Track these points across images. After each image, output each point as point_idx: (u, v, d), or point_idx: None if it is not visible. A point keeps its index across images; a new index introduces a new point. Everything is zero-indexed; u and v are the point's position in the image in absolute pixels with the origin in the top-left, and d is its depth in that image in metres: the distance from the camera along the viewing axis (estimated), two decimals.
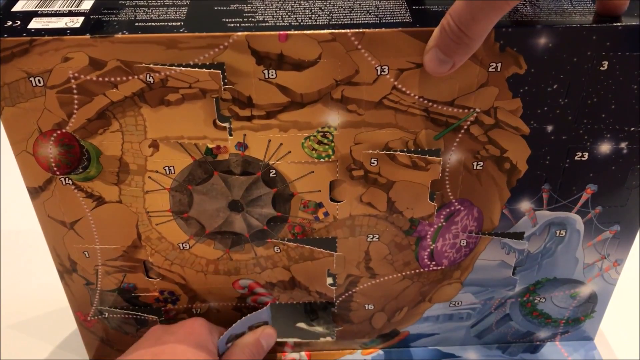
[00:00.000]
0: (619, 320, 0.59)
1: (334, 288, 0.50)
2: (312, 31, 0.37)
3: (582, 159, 0.43)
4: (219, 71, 0.38)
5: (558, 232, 0.47)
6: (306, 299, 0.51)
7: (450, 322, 0.54)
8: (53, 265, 0.48)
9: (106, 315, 0.52)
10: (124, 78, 0.38)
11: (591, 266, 0.50)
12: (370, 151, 0.42)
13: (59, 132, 0.40)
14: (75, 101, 0.39)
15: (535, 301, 0.52)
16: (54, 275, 0.49)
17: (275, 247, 0.47)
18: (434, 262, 0.48)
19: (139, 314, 0.51)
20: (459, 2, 0.34)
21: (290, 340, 0.54)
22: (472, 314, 0.53)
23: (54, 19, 0.38)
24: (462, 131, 0.41)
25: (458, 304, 0.52)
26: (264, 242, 0.47)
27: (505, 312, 0.53)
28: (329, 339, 0.54)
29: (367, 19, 0.38)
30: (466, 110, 0.40)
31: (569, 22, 0.37)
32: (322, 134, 0.41)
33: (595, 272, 0.50)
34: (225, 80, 0.38)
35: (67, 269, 0.48)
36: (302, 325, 0.55)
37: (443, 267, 0.49)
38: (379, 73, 0.38)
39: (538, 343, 0.56)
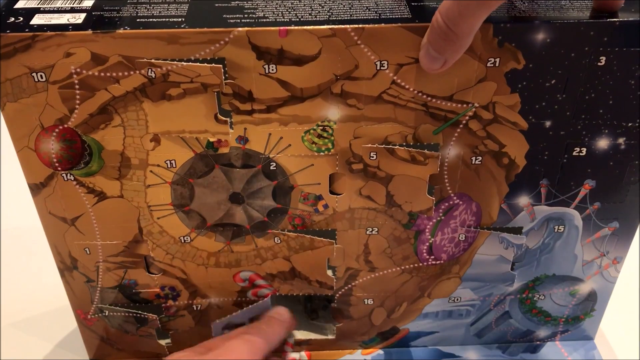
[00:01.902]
0: (619, 319, 0.59)
1: (334, 278, 0.50)
2: (312, 27, 0.37)
3: (580, 154, 0.43)
4: (220, 66, 0.38)
5: (556, 227, 0.47)
6: (306, 289, 0.51)
7: (449, 319, 0.54)
8: (53, 262, 0.48)
9: (106, 314, 0.52)
10: (126, 73, 0.39)
11: (590, 263, 0.50)
12: (370, 145, 0.42)
13: (60, 127, 0.41)
14: (77, 96, 0.39)
15: (535, 298, 0.52)
16: (54, 273, 0.49)
17: (276, 238, 0.47)
18: (432, 256, 0.49)
19: (139, 312, 0.51)
20: (447, 0, 0.35)
21: (291, 337, 0.55)
22: (472, 311, 0.53)
23: (56, 15, 0.39)
24: (461, 126, 0.42)
25: (457, 300, 0.52)
26: (265, 233, 0.47)
27: (504, 310, 0.53)
28: (329, 336, 0.55)
29: (367, 14, 0.38)
30: (465, 105, 0.41)
31: (567, 18, 0.38)
32: (321, 127, 0.41)
33: (594, 270, 0.51)
34: (226, 75, 0.39)
35: (67, 266, 0.48)
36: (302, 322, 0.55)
37: (442, 261, 0.49)
38: (378, 68, 0.39)
39: (538, 342, 0.56)
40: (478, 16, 0.35)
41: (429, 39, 0.37)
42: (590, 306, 0.54)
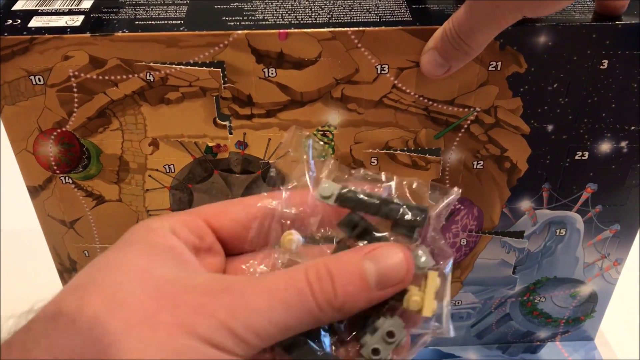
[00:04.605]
0: (619, 320, 0.58)
1: None
2: (312, 29, 0.37)
3: (583, 158, 0.43)
4: (219, 69, 0.38)
5: (558, 231, 0.47)
6: None
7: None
8: (53, 264, 0.48)
9: None
10: (124, 76, 0.38)
11: (591, 265, 0.50)
12: (371, 150, 0.42)
13: (59, 130, 0.40)
14: (76, 100, 0.39)
15: (536, 301, 0.52)
16: (53, 274, 0.49)
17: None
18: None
19: None
20: (461, 11, 0.35)
21: None
22: (472, 314, 0.53)
23: (54, 17, 0.38)
24: (462, 130, 0.41)
25: (458, 303, 0.52)
26: None
27: (505, 312, 0.53)
28: None
29: (367, 17, 0.38)
30: (466, 110, 0.40)
31: (569, 21, 0.37)
32: (322, 132, 0.41)
33: (595, 272, 0.50)
34: (225, 79, 0.39)
35: (67, 268, 0.48)
36: None
37: None
38: (379, 72, 0.38)
39: (538, 343, 0.56)
40: (490, 33, 0.35)
41: (436, 44, 0.36)
42: (590, 307, 0.53)
